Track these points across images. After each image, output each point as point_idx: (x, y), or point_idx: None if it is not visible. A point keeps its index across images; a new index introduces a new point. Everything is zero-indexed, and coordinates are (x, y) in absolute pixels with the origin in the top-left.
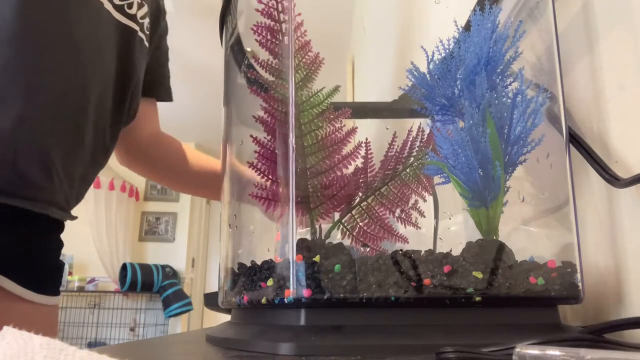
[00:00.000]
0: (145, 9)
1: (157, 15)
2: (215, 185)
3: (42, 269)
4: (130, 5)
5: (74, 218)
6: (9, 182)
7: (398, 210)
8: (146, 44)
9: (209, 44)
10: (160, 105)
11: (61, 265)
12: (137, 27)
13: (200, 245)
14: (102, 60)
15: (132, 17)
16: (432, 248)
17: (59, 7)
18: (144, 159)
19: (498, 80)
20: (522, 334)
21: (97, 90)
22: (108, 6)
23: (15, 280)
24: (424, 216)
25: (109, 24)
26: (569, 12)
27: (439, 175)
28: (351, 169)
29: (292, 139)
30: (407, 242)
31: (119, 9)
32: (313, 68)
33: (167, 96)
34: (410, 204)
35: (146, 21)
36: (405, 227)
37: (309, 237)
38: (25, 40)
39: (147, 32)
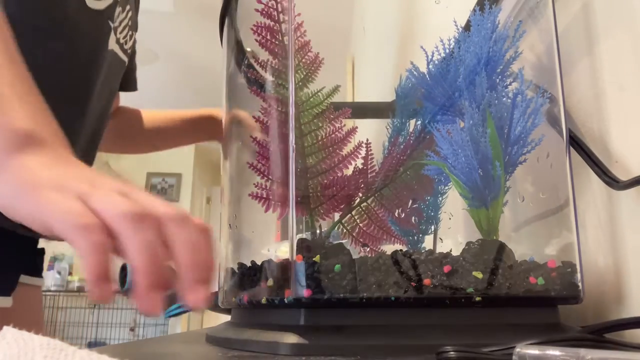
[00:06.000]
0: (134, 37)
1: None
2: (177, 132)
3: (36, 256)
4: (126, 41)
5: None
6: None
7: (398, 211)
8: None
9: (209, 44)
10: (162, 105)
11: (43, 251)
12: (127, 59)
13: None
14: (106, 96)
15: (126, 52)
16: (432, 248)
17: (84, 62)
18: (112, 137)
19: (498, 80)
20: (522, 334)
21: (98, 120)
22: (119, 52)
23: (29, 273)
24: (424, 218)
25: (116, 64)
26: (569, 12)
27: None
28: (351, 169)
29: (292, 139)
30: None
31: (123, 48)
32: (313, 68)
33: (134, 87)
34: (409, 205)
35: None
36: (405, 228)
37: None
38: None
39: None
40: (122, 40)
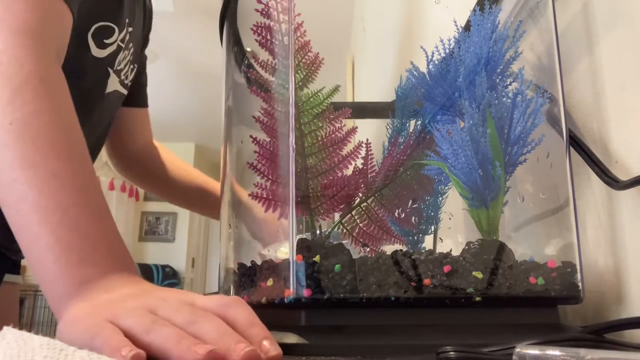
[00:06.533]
0: (135, 70)
1: (144, 48)
2: (204, 204)
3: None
4: (127, 77)
5: None
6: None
7: (398, 211)
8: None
9: (209, 44)
10: (162, 105)
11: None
12: (125, 92)
13: (200, 245)
14: (102, 127)
15: (126, 86)
16: (432, 248)
17: (92, 104)
18: (135, 166)
19: (498, 80)
20: (522, 334)
21: (92, 150)
22: (119, 88)
23: (15, 272)
24: (424, 218)
25: (115, 100)
26: (569, 12)
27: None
28: (351, 169)
29: (292, 139)
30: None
31: (124, 84)
32: (313, 68)
33: (144, 103)
34: (409, 205)
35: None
36: (405, 228)
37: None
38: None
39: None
40: (122, 77)
